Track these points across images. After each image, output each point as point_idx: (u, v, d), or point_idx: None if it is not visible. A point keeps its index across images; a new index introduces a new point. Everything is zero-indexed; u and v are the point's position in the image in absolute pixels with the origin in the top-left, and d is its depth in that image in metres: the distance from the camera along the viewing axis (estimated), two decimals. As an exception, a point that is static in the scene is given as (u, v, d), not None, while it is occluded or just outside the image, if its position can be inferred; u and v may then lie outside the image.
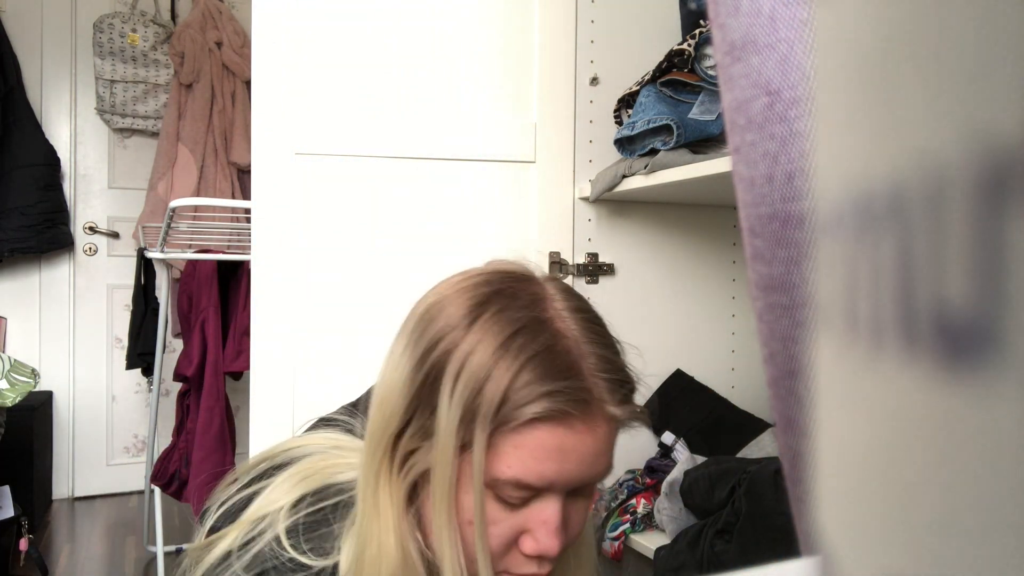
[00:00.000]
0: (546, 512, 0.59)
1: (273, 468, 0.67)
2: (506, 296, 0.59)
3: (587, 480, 0.60)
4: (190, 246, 2.41)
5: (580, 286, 1.35)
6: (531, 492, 0.58)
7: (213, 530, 0.65)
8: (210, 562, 0.61)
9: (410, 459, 0.60)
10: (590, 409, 0.58)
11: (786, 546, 0.89)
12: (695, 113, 1.15)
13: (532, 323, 0.58)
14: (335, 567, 0.60)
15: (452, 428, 0.56)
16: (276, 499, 0.63)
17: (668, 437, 1.32)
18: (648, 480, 1.28)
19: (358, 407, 0.75)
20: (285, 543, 0.60)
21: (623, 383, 0.60)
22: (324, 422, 0.75)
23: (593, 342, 0.59)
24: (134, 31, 3.00)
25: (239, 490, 0.67)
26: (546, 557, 0.60)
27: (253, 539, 0.61)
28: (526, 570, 0.60)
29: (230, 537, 0.61)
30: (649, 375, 1.38)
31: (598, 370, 0.58)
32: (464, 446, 0.57)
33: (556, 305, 0.60)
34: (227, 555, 0.60)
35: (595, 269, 1.36)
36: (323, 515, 0.62)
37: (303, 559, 0.59)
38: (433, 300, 0.61)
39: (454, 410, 0.56)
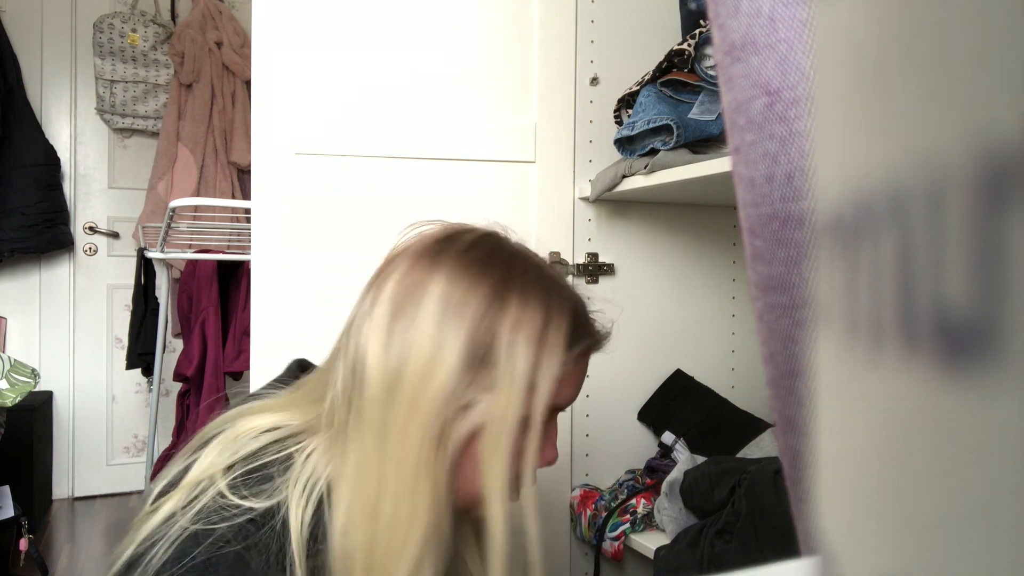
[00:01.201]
0: (554, 429, 0.72)
1: (206, 441, 0.72)
2: (514, 266, 0.69)
3: None
4: (190, 246, 2.41)
5: (580, 286, 1.34)
6: (555, 414, 0.70)
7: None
8: (155, 524, 0.64)
9: (464, 415, 0.66)
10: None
11: (786, 546, 0.89)
12: (695, 113, 1.15)
13: (554, 276, 0.70)
14: (279, 505, 0.65)
15: (524, 373, 0.64)
16: (211, 463, 0.68)
17: (668, 437, 1.32)
18: (648, 480, 1.28)
19: (281, 381, 0.83)
20: (228, 494, 0.64)
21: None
22: (252, 397, 0.81)
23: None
24: (134, 31, 3.00)
25: (181, 465, 0.72)
26: (552, 464, 0.73)
27: (196, 498, 0.65)
28: (531, 482, 0.70)
29: (172, 501, 0.65)
30: (649, 375, 1.39)
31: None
32: (531, 387, 0.65)
33: (530, 255, 0.72)
34: (171, 515, 0.64)
35: (595, 269, 1.36)
36: (261, 466, 0.68)
37: (246, 503, 0.64)
38: (445, 288, 0.67)
39: (522, 358, 0.64)
